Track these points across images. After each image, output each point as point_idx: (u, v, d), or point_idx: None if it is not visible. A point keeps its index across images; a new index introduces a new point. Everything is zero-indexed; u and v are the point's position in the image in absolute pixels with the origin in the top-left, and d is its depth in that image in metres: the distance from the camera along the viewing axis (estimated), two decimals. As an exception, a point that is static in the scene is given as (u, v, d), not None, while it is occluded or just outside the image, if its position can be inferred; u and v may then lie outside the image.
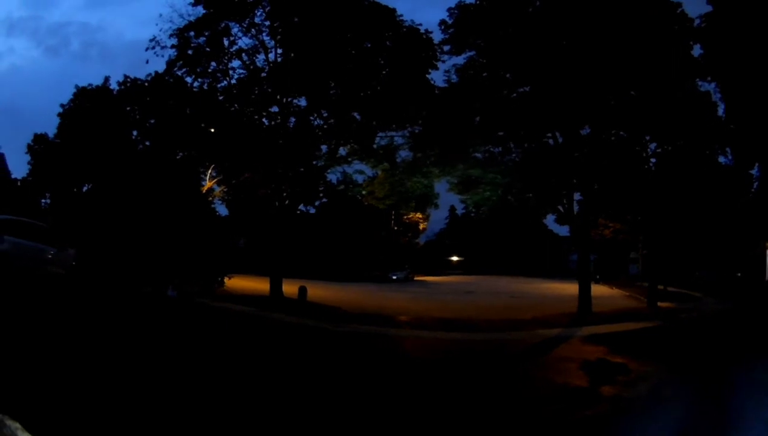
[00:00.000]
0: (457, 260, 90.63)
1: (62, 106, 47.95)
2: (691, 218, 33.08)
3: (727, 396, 10.15)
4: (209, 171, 37.74)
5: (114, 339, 14.21)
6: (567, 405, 11.72)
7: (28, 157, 51.79)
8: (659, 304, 34.28)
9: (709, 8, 29.67)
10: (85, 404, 8.83)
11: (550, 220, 38.42)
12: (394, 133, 32.35)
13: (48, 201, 51.90)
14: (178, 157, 35.26)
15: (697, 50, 29.56)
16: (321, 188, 39.60)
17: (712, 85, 30.55)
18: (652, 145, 32.32)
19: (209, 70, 31.43)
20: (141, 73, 44.95)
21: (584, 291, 29.16)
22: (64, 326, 14.60)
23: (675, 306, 34.06)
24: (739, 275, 43.00)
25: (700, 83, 30.09)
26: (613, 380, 14.02)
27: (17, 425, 2.80)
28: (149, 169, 29.96)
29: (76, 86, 47.52)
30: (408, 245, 77.34)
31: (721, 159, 32.63)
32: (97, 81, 47.18)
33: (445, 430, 9.81)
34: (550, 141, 29.78)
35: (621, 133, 30.26)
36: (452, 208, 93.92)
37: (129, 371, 11.33)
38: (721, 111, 30.92)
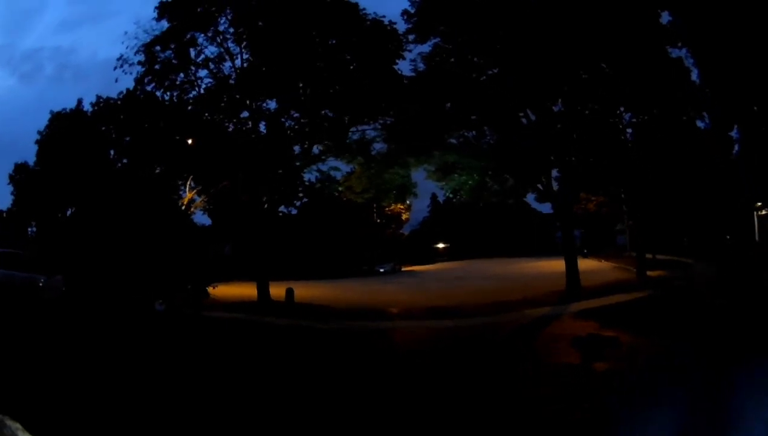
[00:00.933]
0: (444, 247, 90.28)
1: (39, 132, 47.76)
2: (674, 184, 33.10)
3: (719, 365, 10.08)
4: (188, 182, 37.50)
5: (108, 354, 14.24)
6: (562, 399, 11.50)
7: (11, 188, 51.92)
8: (649, 273, 34.41)
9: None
10: (87, 413, 9.01)
11: (532, 199, 38.17)
12: (366, 127, 32.34)
13: (34, 229, 51.88)
14: (156, 172, 35.12)
15: (665, 18, 29.54)
16: (300, 189, 39.43)
17: (684, 51, 30.57)
18: (627, 116, 32.37)
19: (177, 83, 31.45)
20: (116, 90, 44.39)
21: (571, 267, 29.20)
22: (62, 347, 14.78)
23: (665, 274, 34.09)
24: (728, 237, 43.12)
25: (671, 50, 30.05)
26: (605, 356, 13.92)
27: (18, 425, 2.71)
28: (127, 187, 29.80)
29: (51, 112, 47.47)
30: (393, 237, 77.20)
31: (699, 124, 32.67)
32: (73, 103, 47.02)
33: (439, 424, 9.71)
34: (524, 120, 29.72)
35: (595, 106, 30.21)
36: (434, 196, 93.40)
37: (126, 382, 11.47)
38: (695, 76, 30.93)
